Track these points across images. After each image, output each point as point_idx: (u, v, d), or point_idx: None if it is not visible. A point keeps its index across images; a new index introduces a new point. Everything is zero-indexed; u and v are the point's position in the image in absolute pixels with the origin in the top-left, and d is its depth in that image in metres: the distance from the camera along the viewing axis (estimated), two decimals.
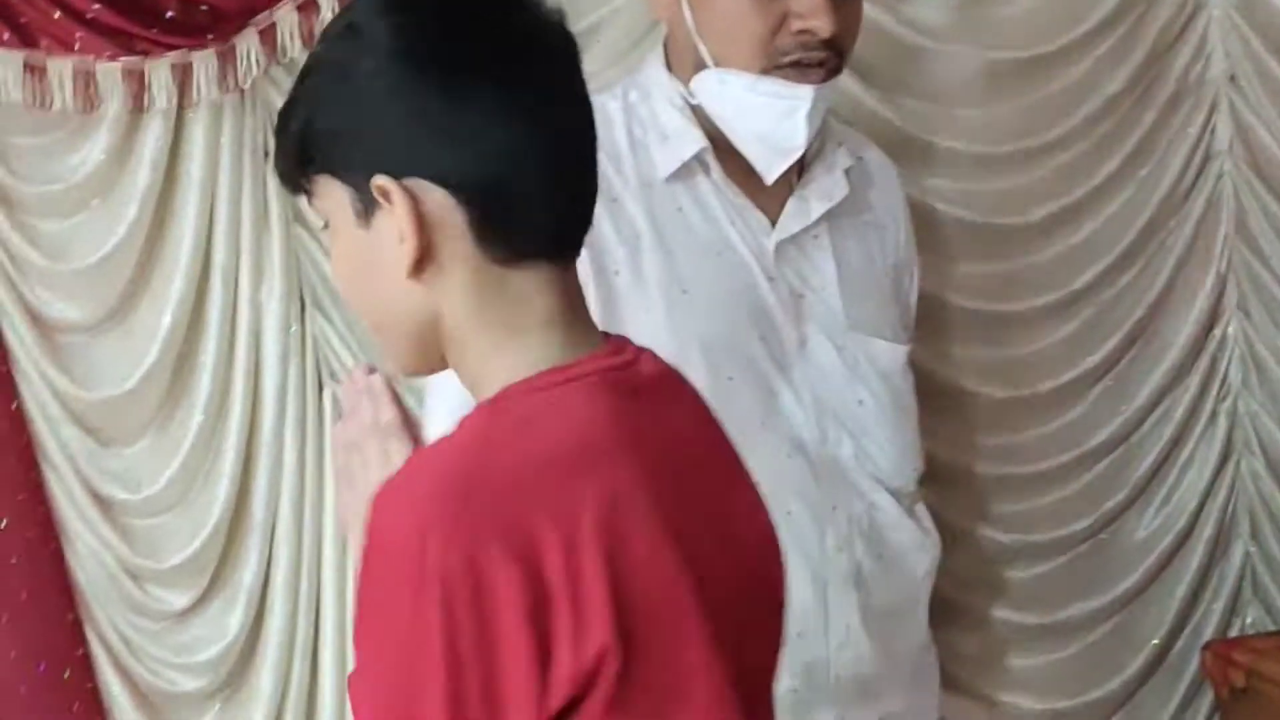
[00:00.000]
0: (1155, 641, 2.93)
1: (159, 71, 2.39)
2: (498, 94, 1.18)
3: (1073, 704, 2.86)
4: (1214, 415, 2.96)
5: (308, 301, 2.55)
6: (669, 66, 1.94)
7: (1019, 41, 2.75)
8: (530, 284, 1.21)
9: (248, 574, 2.54)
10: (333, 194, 1.23)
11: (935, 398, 2.49)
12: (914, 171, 2.60)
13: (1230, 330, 2.97)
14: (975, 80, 2.73)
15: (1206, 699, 2.96)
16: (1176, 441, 2.93)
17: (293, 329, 2.52)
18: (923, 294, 2.30)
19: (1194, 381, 2.93)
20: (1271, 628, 2.96)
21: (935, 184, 2.72)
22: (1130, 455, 2.91)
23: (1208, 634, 2.97)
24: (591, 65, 1.29)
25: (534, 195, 1.20)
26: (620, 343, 1.27)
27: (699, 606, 1.14)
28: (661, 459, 1.19)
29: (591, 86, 1.25)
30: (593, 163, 1.27)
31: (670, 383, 1.30)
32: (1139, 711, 2.94)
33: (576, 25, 1.27)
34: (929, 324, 2.62)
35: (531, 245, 1.21)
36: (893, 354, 2.03)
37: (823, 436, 1.92)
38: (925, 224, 2.61)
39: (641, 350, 1.28)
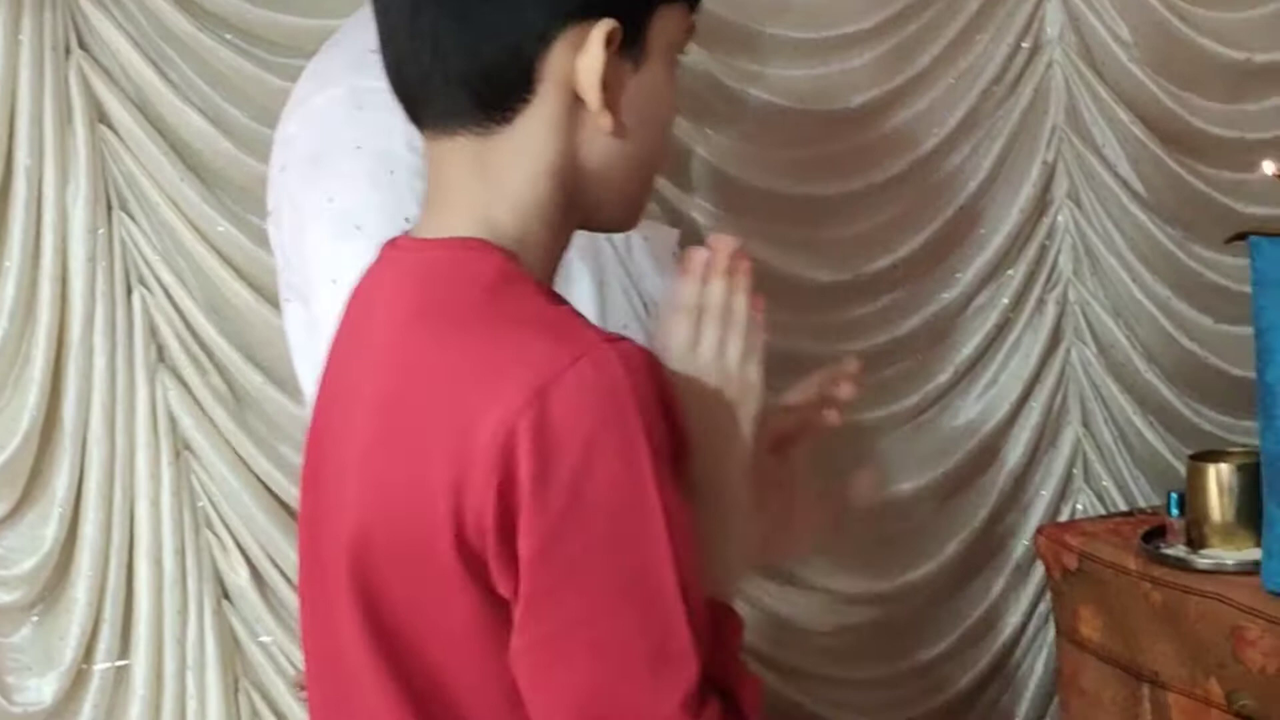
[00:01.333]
0: (976, 525, 3.01)
1: None
2: None
3: (894, 585, 2.93)
4: (1042, 302, 3.03)
5: (114, 203, 2.51)
6: None
7: None
8: None
9: (60, 483, 2.51)
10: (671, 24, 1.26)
11: (763, 281, 2.53)
12: (736, 55, 2.64)
13: (1060, 219, 3.04)
14: None
15: (1033, 583, 3.05)
16: (1002, 327, 3.01)
17: (99, 231, 2.50)
18: (748, 182, 2.34)
19: (1020, 269, 3.00)
20: (1101, 512, 3.06)
21: (753, 68, 2.75)
22: (955, 339, 2.98)
23: (1037, 519, 3.05)
24: None
25: None
26: None
27: None
28: None
29: None
30: None
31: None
32: (963, 595, 3.02)
33: None
34: (757, 209, 2.67)
35: None
36: (671, 237, 2.07)
37: None
38: (740, 108, 2.66)
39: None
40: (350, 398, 1.24)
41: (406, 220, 1.65)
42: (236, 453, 2.56)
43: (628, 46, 1.20)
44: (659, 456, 1.11)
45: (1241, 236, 2.45)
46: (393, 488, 1.15)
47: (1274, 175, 2.67)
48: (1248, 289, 2.95)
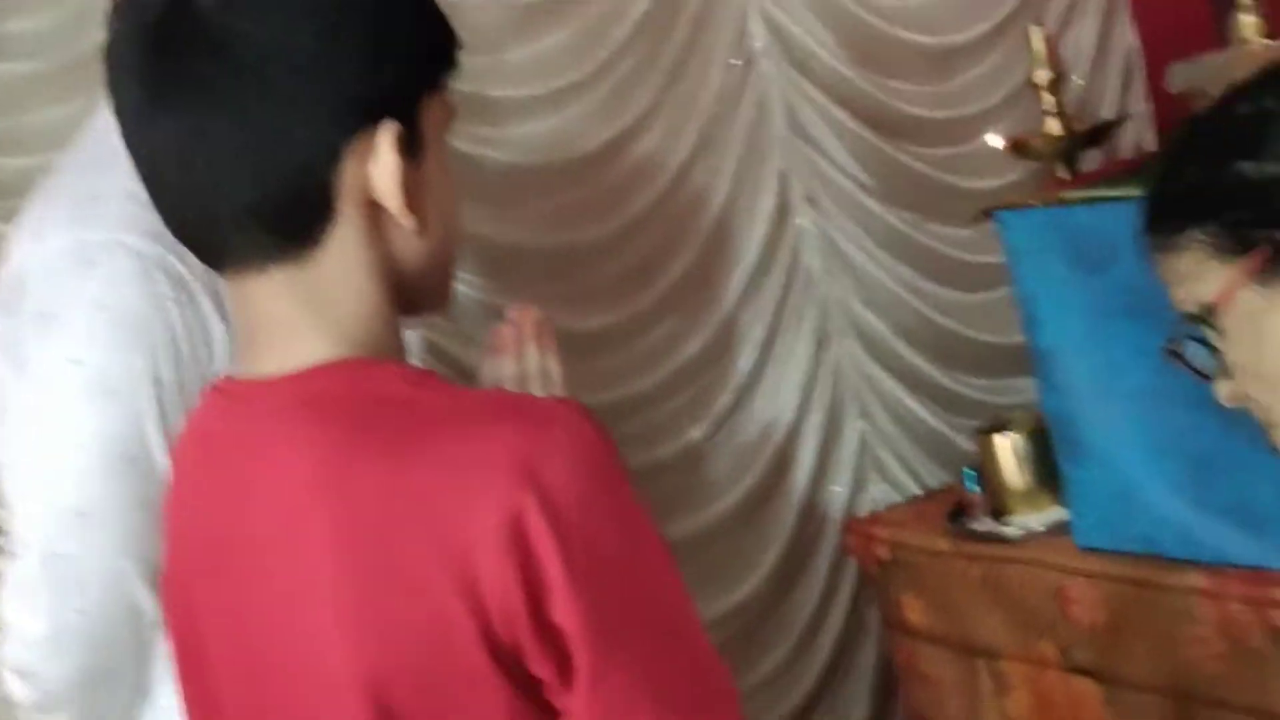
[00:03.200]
0: (785, 534, 3.09)
1: None
2: None
3: (721, 609, 2.99)
4: (802, 306, 3.13)
5: None
6: None
7: None
8: None
9: None
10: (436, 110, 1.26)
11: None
12: (468, 122, 2.67)
13: (801, 222, 3.15)
14: (508, 24, 2.80)
15: (848, 578, 3.15)
16: (770, 337, 3.10)
17: None
18: (502, 242, 2.35)
19: (777, 278, 3.10)
20: (897, 499, 3.18)
21: (486, 132, 2.78)
22: (730, 358, 3.06)
23: (837, 516, 3.15)
24: None
25: None
26: None
27: None
28: None
29: None
30: None
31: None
32: (787, 603, 3.09)
33: None
34: (517, 267, 2.70)
35: None
36: (415, 337, 2.06)
37: None
38: (482, 173, 2.70)
39: None
40: (255, 546, 1.20)
41: (157, 381, 1.64)
42: None
43: (407, 144, 1.22)
44: (638, 496, 1.17)
45: (987, 214, 2.59)
46: (396, 616, 1.13)
47: (1003, 146, 2.83)
48: (987, 259, 3.13)
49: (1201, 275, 1.37)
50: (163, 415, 1.65)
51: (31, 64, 2.48)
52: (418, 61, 1.23)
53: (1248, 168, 1.36)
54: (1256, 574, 2.29)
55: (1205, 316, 1.37)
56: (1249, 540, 2.31)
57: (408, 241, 1.23)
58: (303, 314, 1.21)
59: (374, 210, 1.21)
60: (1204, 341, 1.39)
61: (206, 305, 1.66)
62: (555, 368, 1.52)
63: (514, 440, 1.13)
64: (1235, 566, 2.32)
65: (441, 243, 1.27)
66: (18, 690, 1.69)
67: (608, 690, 1.12)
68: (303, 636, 1.18)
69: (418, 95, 1.23)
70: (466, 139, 2.74)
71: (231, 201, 1.18)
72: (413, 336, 1.98)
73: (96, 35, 2.23)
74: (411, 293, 1.27)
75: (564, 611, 1.11)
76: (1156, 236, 1.42)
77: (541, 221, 2.83)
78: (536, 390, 1.48)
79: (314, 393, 1.20)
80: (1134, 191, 2.30)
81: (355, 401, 1.18)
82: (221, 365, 1.66)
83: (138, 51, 1.19)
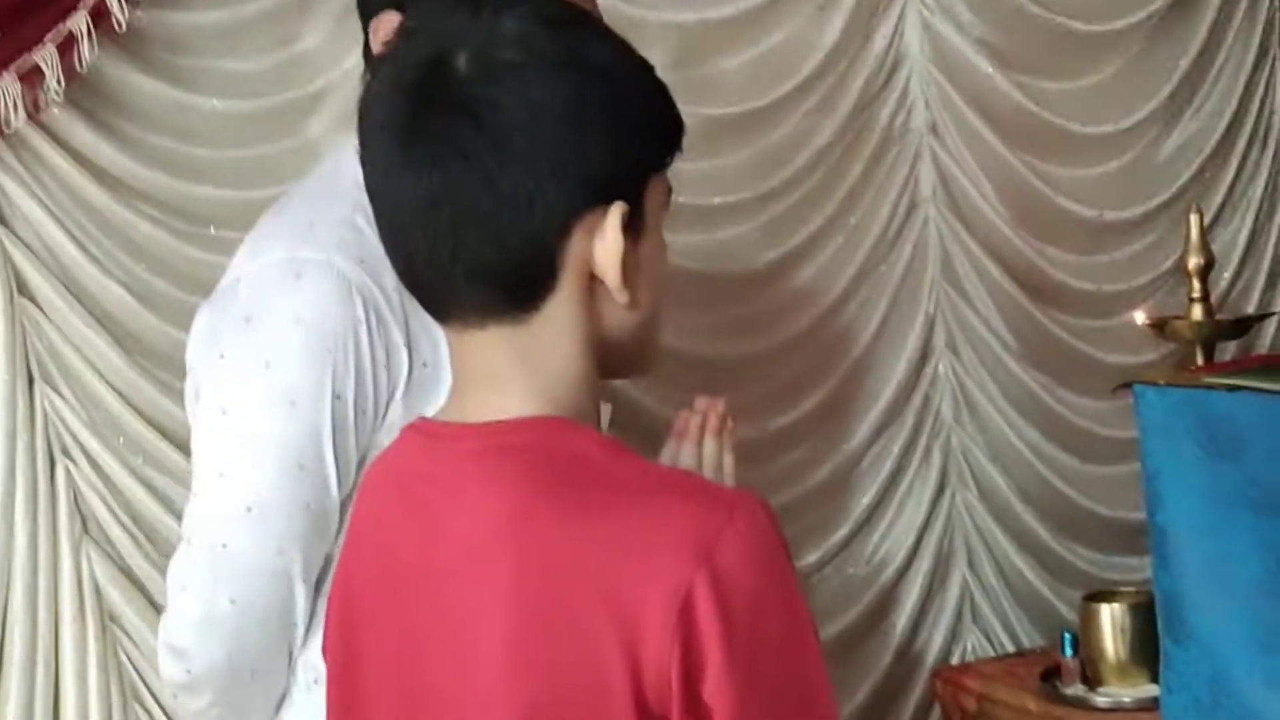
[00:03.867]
0: (879, 671, 3.14)
1: None
2: None
3: None
4: (929, 450, 3.21)
5: (35, 375, 2.55)
6: None
7: (734, 98, 2.97)
8: None
9: None
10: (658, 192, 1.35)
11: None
12: None
13: (940, 368, 3.23)
14: (693, 137, 2.91)
15: None
16: (894, 476, 3.18)
17: (19, 404, 2.53)
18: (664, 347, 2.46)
19: (909, 419, 3.18)
20: (990, 653, 3.23)
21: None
22: (851, 490, 3.14)
23: (930, 662, 3.20)
24: None
25: None
26: None
27: None
28: None
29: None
30: None
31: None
32: None
33: None
34: (672, 374, 2.80)
35: None
36: (605, 411, 2.18)
37: None
38: None
39: None
40: (437, 575, 1.28)
41: (338, 398, 1.75)
42: None
43: (630, 223, 1.30)
44: (803, 596, 1.25)
45: (1126, 386, 2.66)
46: (559, 660, 1.20)
47: (1146, 324, 2.91)
48: (1114, 433, 3.19)
49: None
50: (337, 430, 1.76)
51: (244, 103, 2.64)
52: (650, 144, 1.34)
53: None
54: None
55: None
56: None
57: (618, 313, 1.32)
58: (514, 370, 1.30)
59: (592, 282, 1.30)
60: None
61: (396, 335, 1.78)
62: (730, 463, 1.64)
63: (696, 519, 1.20)
64: None
65: (650, 315, 1.36)
66: (169, 668, 1.81)
67: None
68: (468, 667, 1.26)
69: (646, 176, 1.33)
70: None
71: (467, 260, 1.27)
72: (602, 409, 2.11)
73: (301, 81, 2.36)
74: (614, 360, 1.37)
75: (716, 692, 1.18)
76: None
77: (698, 331, 2.93)
78: (710, 480, 1.58)
79: (514, 443, 1.28)
80: (1272, 385, 2.40)
81: (552, 457, 1.27)
82: (402, 393, 1.78)
83: (395, 109, 1.28)
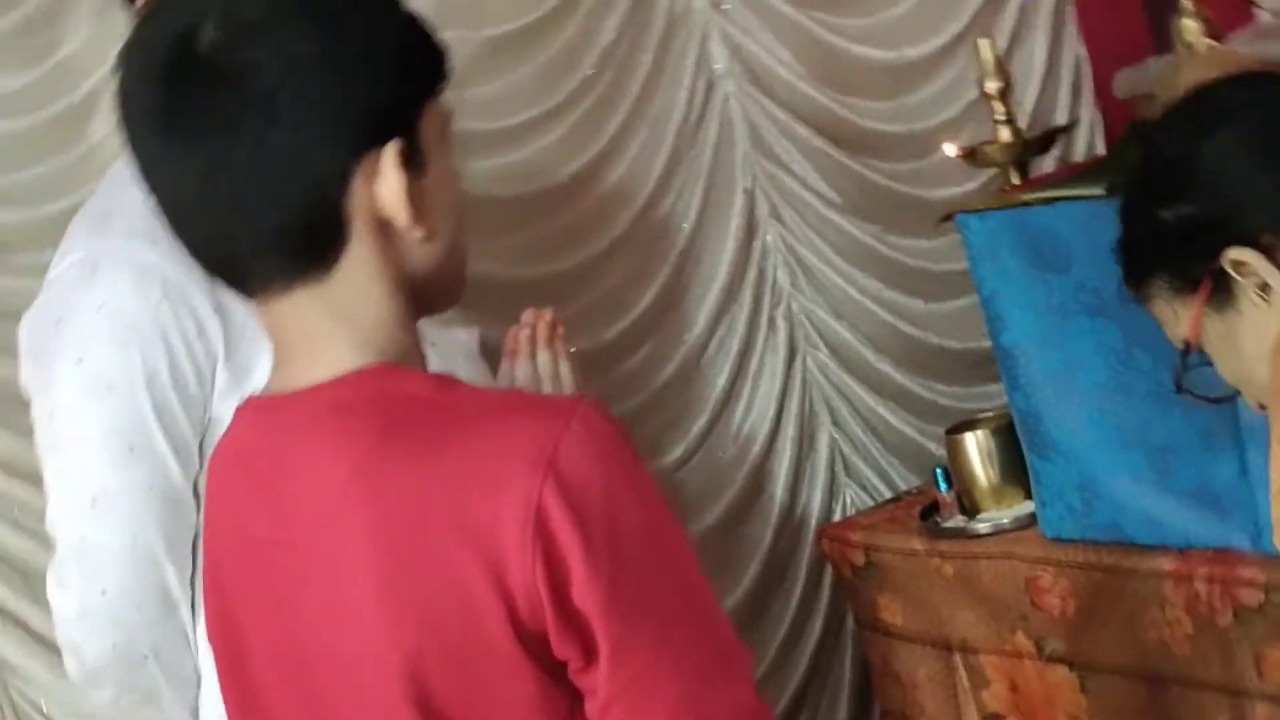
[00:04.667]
0: (764, 546, 3.20)
1: None
2: None
3: None
4: (773, 321, 3.25)
5: None
6: None
7: (510, 14, 2.96)
8: None
9: None
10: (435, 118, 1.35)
11: None
12: None
13: (769, 239, 3.26)
14: (476, 60, 2.91)
15: (825, 585, 3.25)
16: (743, 354, 3.21)
17: None
18: (472, 274, 2.44)
19: (746, 296, 3.21)
20: (870, 504, 3.29)
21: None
22: (704, 378, 3.17)
23: (813, 525, 3.26)
24: None
25: None
26: None
27: None
28: None
29: None
30: None
31: None
32: (766, 617, 3.20)
33: None
34: (494, 300, 2.79)
35: None
36: (470, 336, 2.22)
37: None
38: None
39: None
40: (297, 547, 1.29)
41: (152, 379, 1.81)
42: None
43: (409, 157, 1.31)
44: (652, 481, 1.27)
45: (948, 218, 2.70)
46: (431, 600, 1.22)
47: (956, 154, 2.94)
48: (949, 267, 3.25)
49: (1173, 318, 1.55)
50: (160, 409, 1.82)
51: (16, 122, 2.58)
52: (412, 76, 1.33)
53: (1168, 215, 1.54)
54: (1221, 554, 2.40)
55: (1192, 350, 1.55)
56: (1212, 522, 2.42)
57: (419, 249, 1.33)
58: (327, 328, 1.31)
59: (385, 224, 1.31)
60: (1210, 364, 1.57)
61: (202, 305, 1.82)
62: (566, 370, 1.66)
63: (533, 434, 1.22)
64: (1200, 548, 2.43)
65: (451, 244, 1.37)
66: (68, 666, 1.89)
67: (630, 666, 1.22)
68: (347, 628, 1.27)
69: (417, 109, 1.33)
70: None
71: (251, 229, 1.28)
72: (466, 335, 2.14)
73: (69, 87, 2.33)
74: (428, 294, 1.37)
75: (584, 596, 1.20)
76: (1132, 292, 1.60)
77: (513, 253, 2.92)
78: (549, 391, 1.61)
79: (344, 399, 1.29)
80: (1086, 191, 2.45)
81: (383, 404, 1.28)
82: (223, 359, 1.83)
83: (150, 93, 1.27)
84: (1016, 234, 2.55)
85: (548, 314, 1.70)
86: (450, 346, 2.10)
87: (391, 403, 1.28)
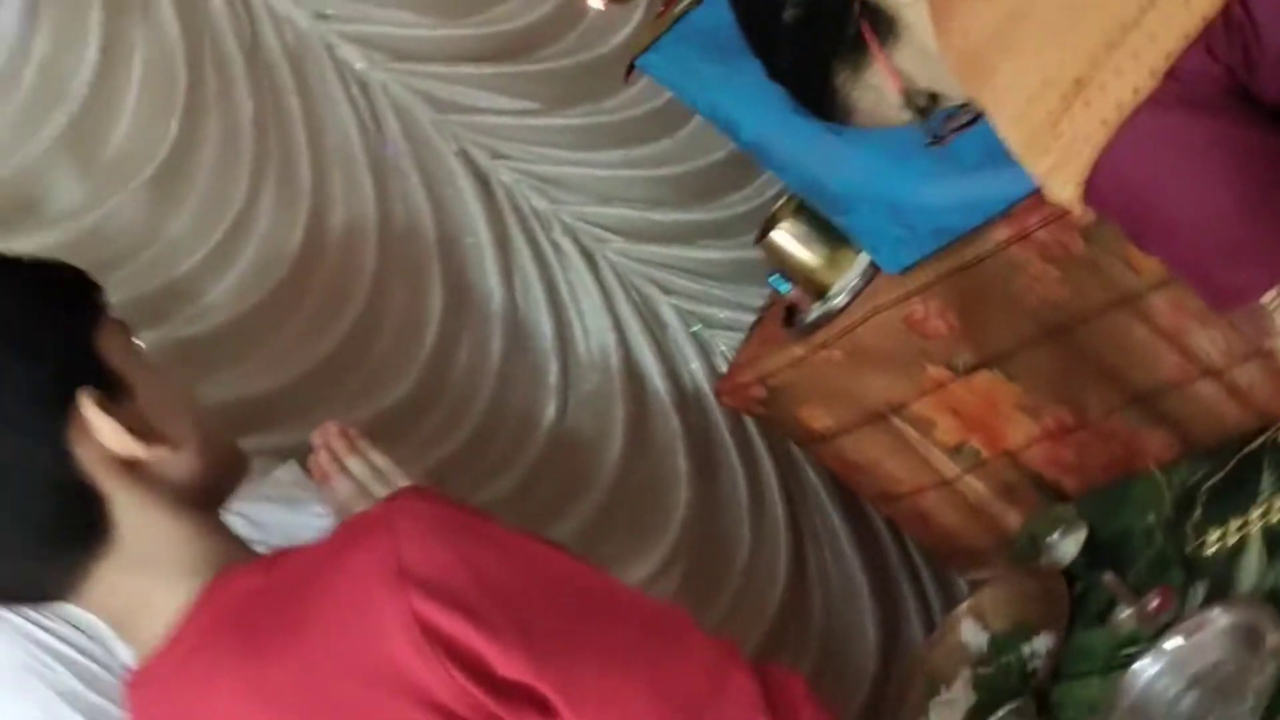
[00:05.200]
0: (674, 430, 3.17)
1: None
2: None
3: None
4: (556, 245, 3.23)
5: None
6: None
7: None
8: None
9: None
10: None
11: None
12: None
13: (505, 179, 3.23)
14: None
15: (752, 432, 3.27)
16: (551, 288, 3.19)
17: None
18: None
19: (519, 238, 3.19)
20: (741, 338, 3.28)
21: None
22: (531, 336, 3.15)
23: (707, 393, 3.24)
24: None
25: None
26: None
27: None
28: None
29: None
30: None
31: None
32: (718, 495, 3.20)
33: None
34: (279, 414, 2.75)
35: None
36: (287, 470, 2.20)
37: None
38: None
39: None
40: None
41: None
42: None
43: (109, 391, 1.30)
44: (487, 516, 1.28)
45: (631, 69, 2.68)
46: None
47: (604, 4, 2.93)
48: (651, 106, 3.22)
49: (876, 84, 1.53)
50: None
51: None
52: (64, 328, 1.31)
53: (788, 17, 1.51)
54: (1038, 196, 2.41)
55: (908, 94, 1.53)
56: (1013, 174, 2.42)
57: (174, 462, 1.33)
58: (142, 583, 1.31)
59: (127, 462, 1.29)
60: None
61: None
62: (381, 460, 1.66)
63: (370, 558, 1.23)
64: (1018, 201, 2.45)
65: (200, 436, 1.35)
66: None
67: (588, 699, 1.23)
68: None
69: (87, 349, 1.31)
70: None
71: (18, 547, 1.27)
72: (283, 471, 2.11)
73: None
74: (212, 490, 1.36)
75: (508, 666, 1.21)
76: (822, 101, 1.59)
77: (281, 360, 2.87)
78: (380, 491, 1.61)
79: (195, 637, 1.29)
80: None
81: (231, 618, 1.28)
82: None
83: None
84: (694, 44, 2.54)
85: (332, 428, 1.70)
86: (265, 506, 2.07)
87: (237, 612, 1.28)
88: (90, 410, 1.28)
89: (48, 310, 1.33)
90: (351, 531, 1.33)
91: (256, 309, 2.89)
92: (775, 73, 1.59)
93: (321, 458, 1.71)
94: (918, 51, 1.53)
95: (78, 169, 2.84)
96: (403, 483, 1.69)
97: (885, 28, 1.51)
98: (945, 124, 1.58)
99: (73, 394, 1.28)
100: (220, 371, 2.79)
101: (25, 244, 2.61)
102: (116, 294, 2.64)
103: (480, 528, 1.29)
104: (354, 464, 1.71)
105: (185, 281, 2.86)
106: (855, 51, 1.52)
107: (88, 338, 1.33)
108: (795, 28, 1.52)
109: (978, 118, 1.58)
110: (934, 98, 1.56)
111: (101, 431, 1.28)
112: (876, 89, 1.55)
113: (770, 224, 2.85)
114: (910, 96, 1.54)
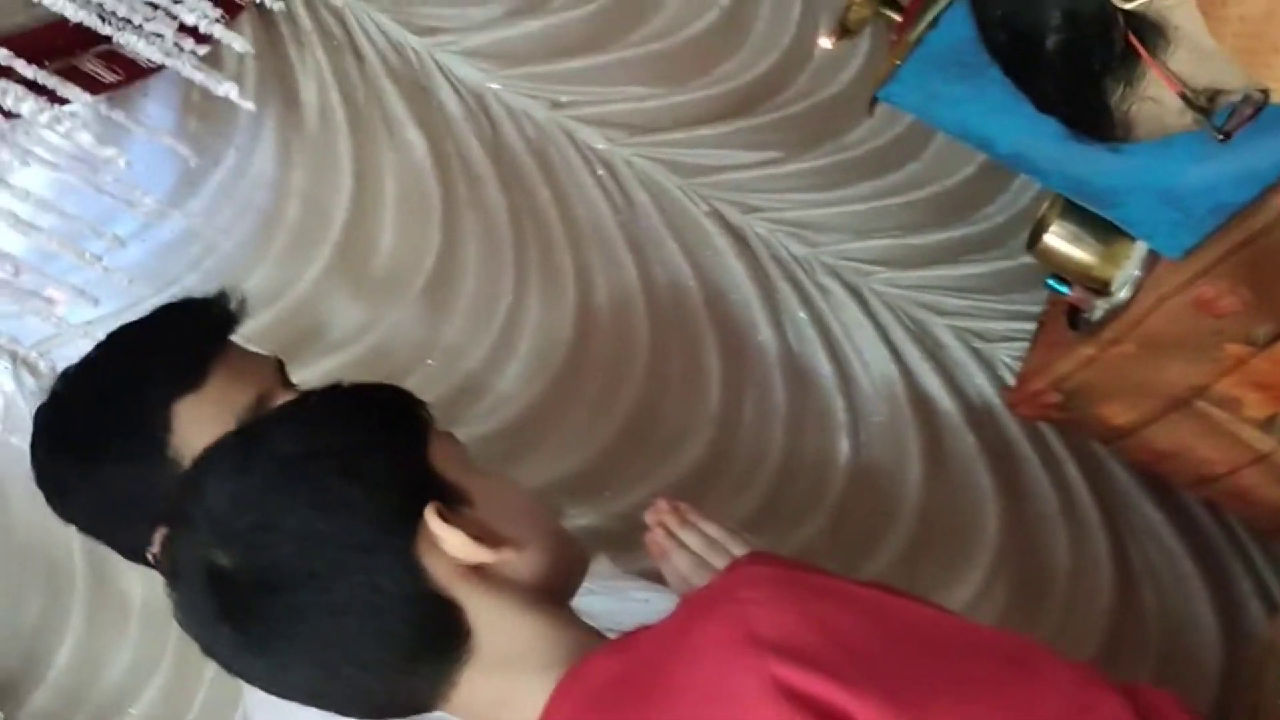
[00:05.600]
0: (975, 450, 3.18)
1: None
2: None
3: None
4: (821, 288, 3.25)
5: None
6: None
7: None
8: None
9: None
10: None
11: None
12: None
13: (760, 232, 3.27)
14: None
15: (1053, 441, 3.24)
16: (825, 333, 3.22)
17: None
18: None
19: (785, 287, 3.22)
20: (1021, 350, 3.27)
21: None
22: (807, 373, 3.17)
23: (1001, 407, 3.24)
24: None
25: None
26: None
27: None
28: None
29: None
30: None
31: None
32: (1028, 508, 3.19)
33: None
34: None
35: None
36: (603, 564, 2.23)
37: None
38: None
39: None
40: None
41: None
42: None
43: (449, 503, 1.34)
44: (826, 572, 1.29)
45: (874, 103, 2.69)
46: None
47: (834, 41, 2.93)
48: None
49: (1155, 94, 1.52)
50: None
51: None
52: (402, 449, 1.37)
53: (1050, 44, 1.50)
54: None
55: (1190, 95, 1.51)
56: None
57: (521, 563, 1.38)
58: (505, 684, 1.36)
59: (478, 568, 1.34)
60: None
61: None
62: (714, 530, 1.69)
63: (720, 631, 1.26)
64: None
65: (543, 534, 1.41)
66: None
67: None
68: None
69: (423, 466, 1.36)
70: None
71: (386, 664, 1.33)
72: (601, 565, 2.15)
73: None
74: (560, 586, 1.40)
75: (870, 717, 1.21)
76: (1087, 120, 1.59)
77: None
78: (718, 561, 1.63)
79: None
80: None
81: (591, 704, 1.32)
82: None
83: (213, 633, 1.35)
84: (936, 68, 2.53)
85: (663, 505, 1.73)
86: (590, 599, 2.12)
87: (598, 698, 1.32)
88: (436, 524, 1.33)
89: (381, 435, 1.39)
90: (697, 607, 1.36)
91: (543, 396, 2.97)
92: (1045, 105, 1.58)
93: (657, 535, 1.74)
94: (1192, 51, 1.50)
95: (351, 291, 2.94)
96: (738, 550, 1.71)
97: (1154, 35, 1.47)
98: (1230, 120, 1.55)
99: (417, 512, 1.33)
100: (519, 461, 2.86)
101: (314, 371, 2.74)
102: None
103: (822, 584, 1.31)
104: (689, 537, 1.73)
105: (471, 380, 2.95)
106: (1126, 66, 1.49)
107: (422, 455, 1.39)
108: (1060, 55, 1.50)
109: (1263, 106, 1.55)
110: (1214, 95, 1.53)
111: (448, 543, 1.33)
112: (1154, 99, 1.52)
113: (1039, 228, 2.83)
114: (1190, 99, 1.51)
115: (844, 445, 3.13)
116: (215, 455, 1.38)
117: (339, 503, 1.34)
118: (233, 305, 1.86)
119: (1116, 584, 3.11)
